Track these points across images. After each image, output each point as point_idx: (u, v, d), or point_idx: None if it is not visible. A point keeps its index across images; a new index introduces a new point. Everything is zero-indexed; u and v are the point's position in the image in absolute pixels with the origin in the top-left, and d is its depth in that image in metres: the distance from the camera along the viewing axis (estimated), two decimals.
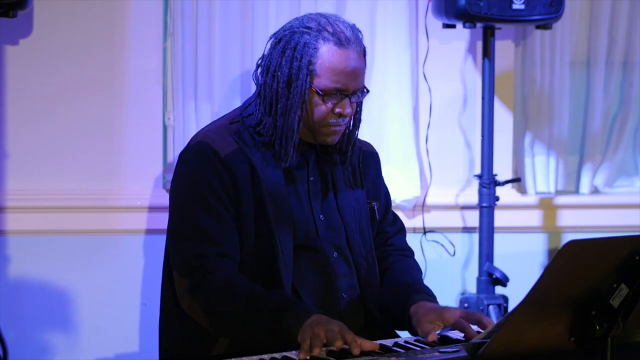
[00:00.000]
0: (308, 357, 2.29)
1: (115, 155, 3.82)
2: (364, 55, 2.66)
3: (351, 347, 2.29)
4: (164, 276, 2.72)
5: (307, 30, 2.60)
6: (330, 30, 2.59)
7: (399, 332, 2.71)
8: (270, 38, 2.68)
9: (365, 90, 2.66)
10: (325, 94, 2.59)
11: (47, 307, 3.82)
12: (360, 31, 2.65)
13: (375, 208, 2.80)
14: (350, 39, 2.60)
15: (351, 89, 2.61)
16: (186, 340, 2.64)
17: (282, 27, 2.67)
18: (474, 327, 2.49)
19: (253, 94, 2.71)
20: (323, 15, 2.65)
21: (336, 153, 2.73)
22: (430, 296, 2.68)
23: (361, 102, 2.72)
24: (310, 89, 2.59)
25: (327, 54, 2.58)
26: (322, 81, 2.59)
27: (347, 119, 2.64)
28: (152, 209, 3.83)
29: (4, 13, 3.41)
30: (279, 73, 2.61)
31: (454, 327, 2.51)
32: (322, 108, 2.61)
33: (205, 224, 2.56)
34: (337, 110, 2.61)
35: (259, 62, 2.68)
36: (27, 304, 3.80)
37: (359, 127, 2.74)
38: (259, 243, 2.59)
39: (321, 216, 2.69)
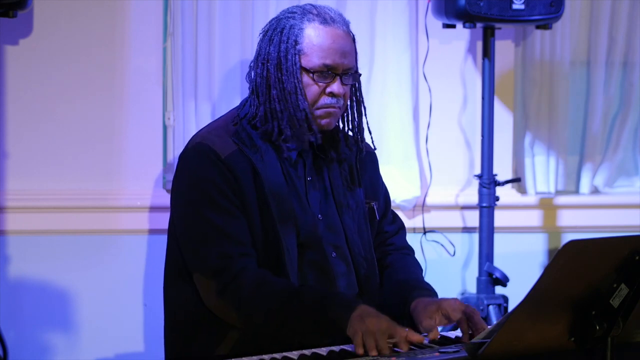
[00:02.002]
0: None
1: (115, 155, 3.82)
2: (353, 40, 2.66)
3: (399, 345, 2.31)
4: (166, 276, 2.71)
5: (292, 15, 2.64)
6: (315, 12, 2.62)
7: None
8: (259, 35, 2.69)
9: (357, 72, 2.65)
10: (315, 72, 2.59)
11: (47, 307, 3.82)
12: (347, 19, 2.67)
13: (375, 208, 2.80)
14: (335, 19, 2.62)
15: (341, 68, 2.61)
16: (190, 341, 2.63)
17: (268, 21, 2.69)
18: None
19: (248, 94, 2.71)
20: (308, 3, 2.68)
21: (333, 145, 2.72)
22: (430, 292, 2.69)
23: (360, 89, 2.72)
24: (301, 69, 2.59)
25: (313, 32, 2.60)
26: (311, 59, 2.59)
27: (341, 100, 2.64)
28: (152, 209, 3.83)
29: (4, 13, 3.41)
30: (268, 61, 2.62)
31: (456, 324, 2.51)
32: (314, 88, 2.61)
33: (218, 223, 2.55)
34: (328, 90, 2.61)
35: (251, 64, 2.69)
36: (27, 304, 3.80)
37: (365, 114, 2.74)
38: (265, 243, 2.59)
39: (319, 216, 2.68)
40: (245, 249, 2.56)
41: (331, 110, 2.63)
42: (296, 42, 2.59)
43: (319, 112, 2.63)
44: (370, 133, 2.79)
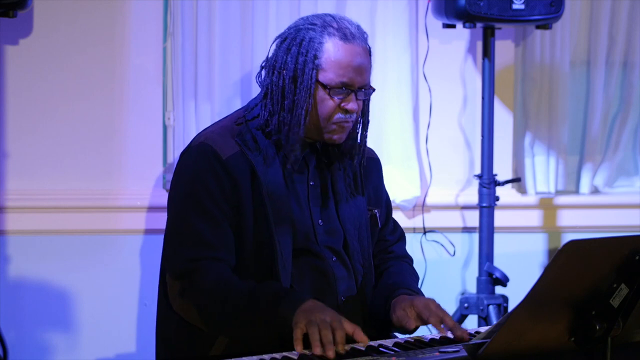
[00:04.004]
0: (306, 351, 2.30)
1: (115, 155, 3.82)
2: (370, 54, 2.66)
3: (337, 346, 2.29)
4: (161, 277, 2.72)
5: (312, 26, 2.61)
6: (335, 26, 2.60)
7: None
8: (275, 39, 2.68)
9: (371, 88, 2.66)
10: (332, 89, 2.59)
11: (47, 307, 3.82)
12: (365, 32, 2.66)
13: (377, 215, 2.79)
14: (355, 35, 2.61)
15: (357, 84, 2.60)
16: (183, 340, 2.64)
17: (287, 27, 2.68)
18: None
19: (257, 96, 2.71)
20: (328, 14, 2.66)
21: (346, 156, 2.72)
22: (413, 292, 2.68)
23: (368, 104, 2.72)
24: (317, 84, 2.59)
25: (332, 48, 2.58)
26: (328, 75, 2.59)
27: (354, 116, 2.64)
28: (152, 209, 3.83)
29: (4, 13, 3.41)
30: (284, 70, 2.61)
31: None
32: (328, 103, 2.60)
33: (199, 228, 2.55)
34: (343, 105, 2.60)
35: (262, 64, 2.68)
36: (27, 304, 3.80)
37: (367, 129, 2.74)
38: (259, 246, 2.59)
39: (320, 221, 2.68)
40: (218, 254, 2.55)
41: (344, 125, 2.63)
42: (315, 57, 2.58)
43: (332, 127, 2.62)
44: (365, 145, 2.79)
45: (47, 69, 3.77)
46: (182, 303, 2.55)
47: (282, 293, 2.46)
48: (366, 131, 2.74)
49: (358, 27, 2.64)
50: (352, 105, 2.61)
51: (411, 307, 2.56)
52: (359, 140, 2.73)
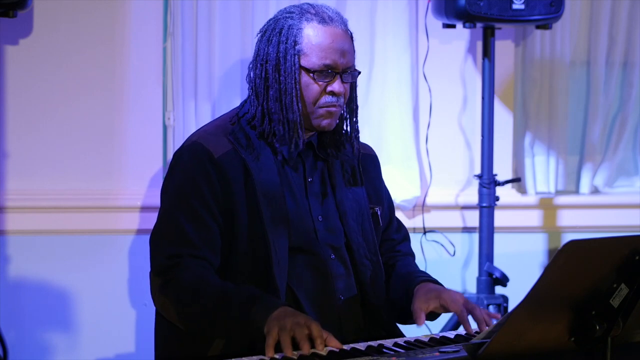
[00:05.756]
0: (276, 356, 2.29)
1: (115, 155, 3.82)
2: (351, 38, 2.66)
3: (315, 343, 2.29)
4: None
5: (290, 15, 2.64)
6: (313, 11, 2.62)
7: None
8: (257, 34, 2.69)
9: (356, 71, 2.66)
10: (315, 72, 2.59)
11: (47, 307, 3.82)
12: (345, 18, 2.67)
13: (378, 213, 2.78)
14: (333, 18, 2.62)
15: (340, 66, 2.61)
16: (181, 340, 2.63)
17: (267, 21, 2.69)
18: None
19: (248, 94, 2.72)
20: (305, 2, 2.69)
21: (334, 146, 2.71)
22: (433, 280, 2.69)
23: (355, 88, 2.71)
24: (300, 69, 2.60)
25: (312, 32, 2.60)
26: (311, 59, 2.59)
27: (342, 99, 2.64)
28: (152, 208, 3.82)
29: (4, 13, 3.41)
30: (267, 62, 2.62)
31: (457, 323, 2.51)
32: (314, 88, 2.60)
33: (185, 227, 2.55)
34: (329, 88, 2.60)
35: (249, 65, 2.69)
36: (27, 304, 3.80)
37: (357, 114, 2.73)
38: (253, 244, 2.58)
39: (319, 217, 2.68)
40: (200, 253, 2.55)
41: (332, 109, 2.63)
42: (295, 43, 2.59)
43: (320, 111, 2.62)
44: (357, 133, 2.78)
45: (47, 69, 3.77)
46: (162, 299, 2.55)
47: (254, 297, 2.44)
48: (356, 117, 2.73)
49: (337, 13, 2.65)
50: (337, 86, 2.60)
51: (437, 298, 2.55)
52: (349, 128, 2.72)
